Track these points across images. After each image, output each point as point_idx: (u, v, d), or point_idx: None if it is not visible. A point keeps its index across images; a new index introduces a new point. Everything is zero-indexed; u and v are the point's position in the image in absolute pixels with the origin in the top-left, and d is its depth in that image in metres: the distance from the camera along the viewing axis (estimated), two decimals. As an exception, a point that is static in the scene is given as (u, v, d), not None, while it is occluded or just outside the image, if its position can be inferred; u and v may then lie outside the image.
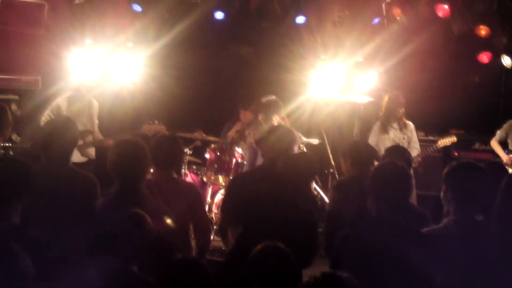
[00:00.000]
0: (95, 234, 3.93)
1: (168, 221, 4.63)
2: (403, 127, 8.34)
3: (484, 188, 4.09)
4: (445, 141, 8.46)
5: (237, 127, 9.29)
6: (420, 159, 8.34)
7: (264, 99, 8.04)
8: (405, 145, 8.15)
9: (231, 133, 9.24)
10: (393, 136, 8.30)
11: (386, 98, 8.47)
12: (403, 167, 4.15)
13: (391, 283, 3.71)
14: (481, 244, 3.92)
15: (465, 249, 3.88)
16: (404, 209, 4.07)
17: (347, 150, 5.70)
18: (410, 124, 8.40)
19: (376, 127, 8.47)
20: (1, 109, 5.54)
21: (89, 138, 7.99)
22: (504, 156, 8.45)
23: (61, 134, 4.78)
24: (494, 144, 8.65)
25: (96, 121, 8.26)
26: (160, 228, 4.10)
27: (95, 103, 8.26)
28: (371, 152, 5.99)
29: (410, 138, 8.36)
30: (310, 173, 5.26)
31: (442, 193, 4.16)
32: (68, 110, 8.07)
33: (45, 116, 8.07)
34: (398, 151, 6.06)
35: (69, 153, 4.88)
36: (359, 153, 5.63)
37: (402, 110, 8.33)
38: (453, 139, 8.43)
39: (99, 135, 8.12)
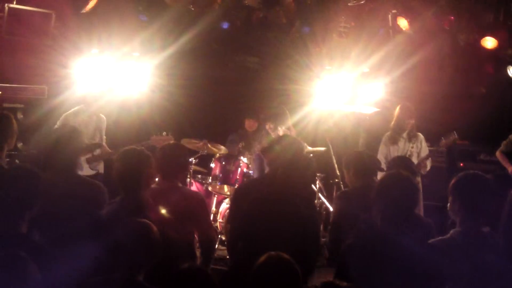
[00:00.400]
0: (100, 244, 3.94)
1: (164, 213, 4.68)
2: (412, 138, 8.31)
3: (491, 199, 4.08)
4: (447, 141, 8.34)
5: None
6: (426, 163, 8.23)
7: (271, 109, 8.06)
8: (414, 156, 8.12)
9: None
10: (403, 147, 8.27)
11: (397, 108, 8.44)
12: (409, 178, 4.14)
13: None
14: (487, 256, 3.90)
15: (471, 260, 3.86)
16: (410, 220, 4.06)
17: (350, 160, 5.68)
18: (420, 135, 8.36)
19: (385, 138, 8.42)
20: (6, 118, 5.54)
21: (98, 151, 8.00)
22: (509, 167, 8.42)
23: (66, 143, 4.82)
24: (500, 155, 8.61)
25: (104, 137, 8.29)
26: (165, 237, 4.10)
27: (103, 118, 8.29)
28: (374, 162, 5.97)
29: (420, 149, 8.30)
30: (309, 176, 5.24)
31: (449, 205, 4.14)
32: (74, 122, 8.10)
33: None
34: (402, 162, 6.04)
35: (74, 161, 4.91)
36: (362, 163, 5.61)
37: (412, 121, 8.30)
38: (455, 137, 8.31)
39: (107, 149, 8.13)
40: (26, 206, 3.90)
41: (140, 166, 4.68)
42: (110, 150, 8.08)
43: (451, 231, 4.06)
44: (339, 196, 5.75)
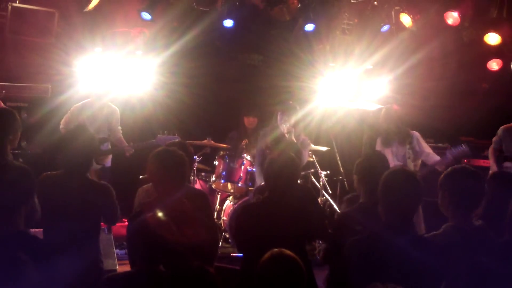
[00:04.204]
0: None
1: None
2: (404, 140, 7.94)
3: (481, 192, 4.10)
4: (457, 154, 8.00)
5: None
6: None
7: (283, 103, 8.09)
8: (411, 157, 7.85)
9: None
10: (396, 150, 7.96)
11: (382, 112, 8.20)
12: (414, 175, 4.13)
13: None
14: (480, 249, 3.91)
15: (464, 254, 3.87)
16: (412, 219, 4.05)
17: (364, 175, 5.26)
18: (414, 134, 8.00)
19: (379, 140, 8.20)
20: (9, 112, 5.51)
21: (105, 146, 8.06)
22: (492, 169, 8.18)
23: (78, 144, 4.90)
24: (491, 152, 8.39)
25: (119, 128, 8.35)
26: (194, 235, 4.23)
27: (115, 109, 8.34)
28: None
29: (419, 147, 7.95)
30: (295, 170, 5.20)
31: (439, 200, 4.15)
32: (80, 117, 8.15)
33: (61, 123, 8.23)
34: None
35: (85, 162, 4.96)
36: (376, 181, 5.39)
37: (394, 126, 7.95)
38: (466, 151, 7.98)
39: (121, 142, 8.19)
40: (22, 202, 3.93)
41: (174, 166, 4.76)
42: (125, 143, 8.13)
43: (443, 226, 4.08)
44: (351, 200, 5.60)
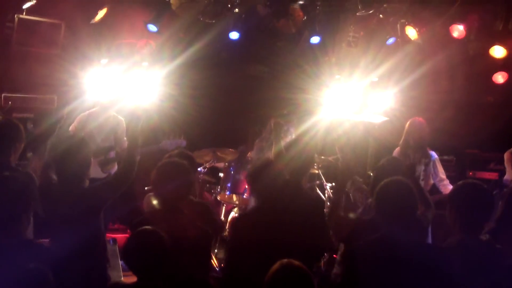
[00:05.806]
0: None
1: None
2: (421, 159, 7.73)
3: (488, 208, 4.08)
4: None
5: None
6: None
7: (284, 114, 8.08)
8: (423, 178, 7.62)
9: None
10: None
11: (407, 124, 8.03)
12: (408, 184, 4.12)
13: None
14: (486, 264, 3.89)
15: (468, 269, 3.85)
16: (411, 224, 4.04)
17: None
18: (431, 157, 7.81)
19: (396, 151, 8.01)
20: (12, 123, 5.54)
21: (111, 154, 8.07)
22: (509, 173, 8.20)
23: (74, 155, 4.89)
24: (507, 156, 8.38)
25: (125, 139, 8.35)
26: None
27: (120, 120, 8.34)
28: None
29: (432, 170, 7.76)
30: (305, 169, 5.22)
31: (447, 213, 4.15)
32: (87, 126, 8.17)
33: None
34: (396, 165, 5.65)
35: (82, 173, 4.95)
36: None
37: (419, 140, 7.79)
38: None
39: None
40: (24, 211, 3.95)
41: (178, 177, 4.78)
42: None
43: (448, 240, 4.07)
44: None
